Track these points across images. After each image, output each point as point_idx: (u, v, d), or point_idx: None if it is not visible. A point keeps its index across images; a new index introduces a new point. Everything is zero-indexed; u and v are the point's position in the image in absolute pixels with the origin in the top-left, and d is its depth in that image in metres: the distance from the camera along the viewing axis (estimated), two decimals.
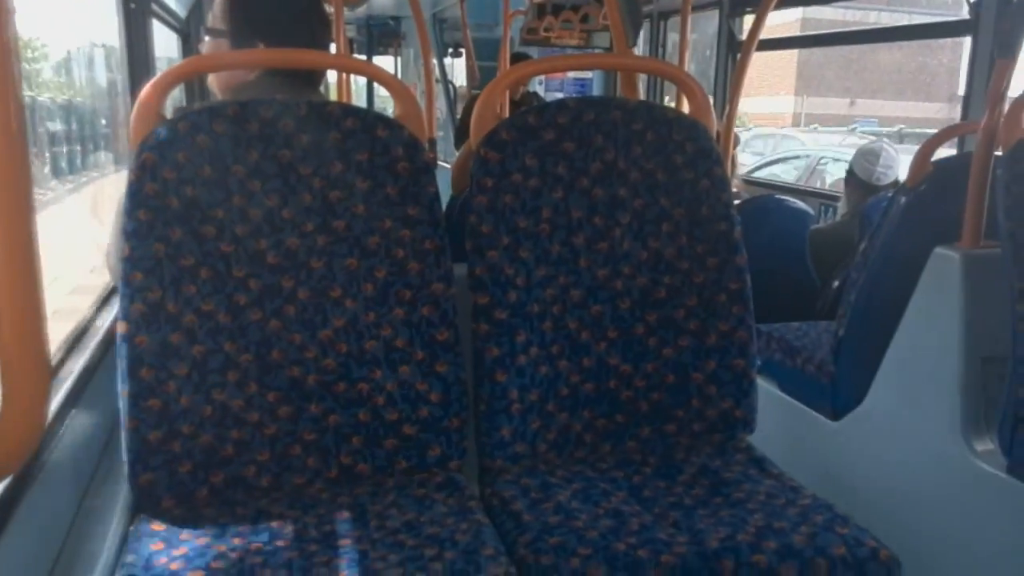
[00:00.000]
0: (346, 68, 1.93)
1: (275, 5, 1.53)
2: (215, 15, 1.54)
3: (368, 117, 1.30)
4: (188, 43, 3.43)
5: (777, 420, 2.16)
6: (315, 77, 1.63)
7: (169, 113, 1.23)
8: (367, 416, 1.29)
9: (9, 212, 0.59)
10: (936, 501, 1.74)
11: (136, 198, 1.17)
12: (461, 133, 5.05)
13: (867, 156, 3.01)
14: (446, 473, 1.31)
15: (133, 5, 2.21)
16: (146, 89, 1.22)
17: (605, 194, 1.42)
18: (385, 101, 9.60)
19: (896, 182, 2.98)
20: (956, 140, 2.68)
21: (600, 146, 1.41)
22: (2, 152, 0.58)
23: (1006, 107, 1.68)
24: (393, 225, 1.29)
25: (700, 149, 1.44)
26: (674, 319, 1.44)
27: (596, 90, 6.33)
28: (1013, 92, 1.70)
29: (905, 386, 1.87)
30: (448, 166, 5.13)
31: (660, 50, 5.10)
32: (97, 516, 1.17)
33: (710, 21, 4.58)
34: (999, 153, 1.68)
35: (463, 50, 6.14)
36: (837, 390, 2.07)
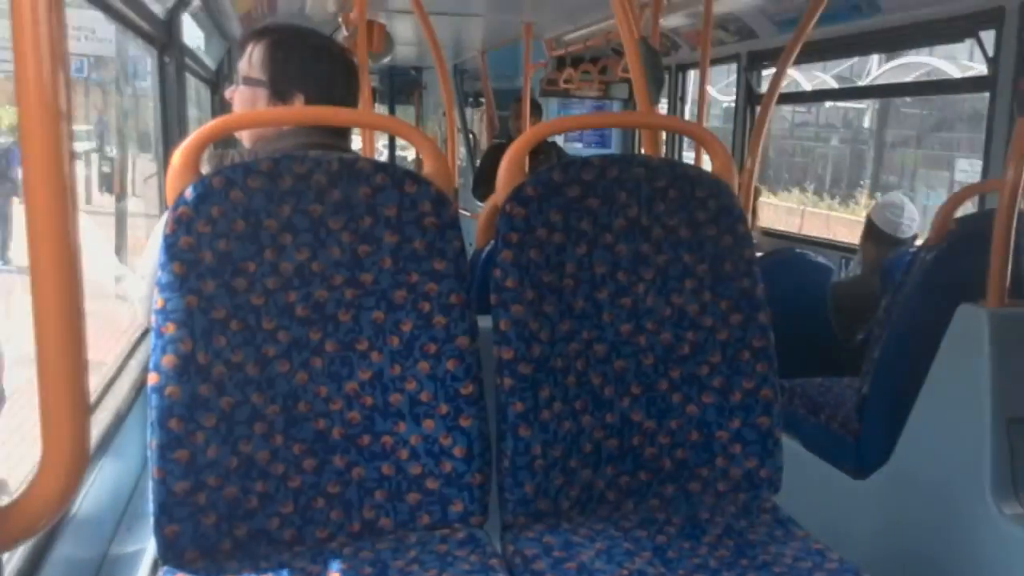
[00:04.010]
0: (378, 126, 1.97)
1: (316, 57, 1.58)
2: (252, 64, 1.57)
3: (397, 173, 1.32)
4: (217, 94, 3.52)
5: (800, 477, 2.13)
6: (345, 127, 1.68)
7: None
8: (390, 470, 1.29)
9: (52, 254, 0.60)
10: (964, 564, 1.70)
11: (171, 251, 1.19)
12: (480, 182, 5.11)
13: (891, 209, 3.00)
14: (468, 529, 1.30)
15: (168, 60, 2.27)
16: (183, 146, 1.25)
17: (628, 250, 1.43)
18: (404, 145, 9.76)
19: (916, 236, 2.98)
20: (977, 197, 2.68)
21: (624, 203, 1.43)
22: (48, 200, 0.59)
23: None
24: (419, 279, 1.31)
25: (723, 206, 1.45)
26: (698, 376, 1.44)
27: (615, 139, 6.40)
28: None
29: (931, 446, 1.84)
30: (468, 215, 5.18)
31: (679, 103, 5.16)
32: (123, 566, 1.17)
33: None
34: (1022, 209, 1.68)
35: (483, 100, 6.25)
36: (862, 448, 2.04)
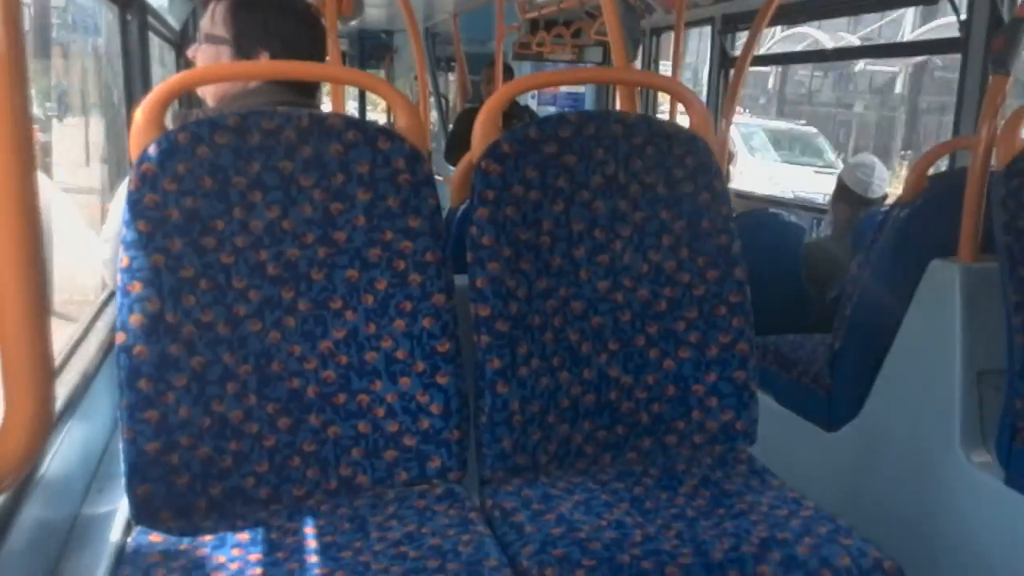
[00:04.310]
0: (349, 81, 1.93)
1: (280, 14, 1.54)
2: (215, 21, 1.53)
3: (369, 129, 1.30)
4: (182, 55, 3.42)
5: (774, 431, 2.16)
6: (313, 86, 1.64)
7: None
8: (367, 428, 1.28)
9: (12, 215, 0.58)
10: (934, 512, 1.74)
11: (136, 209, 1.16)
12: (452, 146, 5.06)
13: (861, 169, 3.02)
14: (446, 485, 1.30)
15: (130, 17, 2.20)
16: (146, 101, 1.21)
17: (606, 207, 1.42)
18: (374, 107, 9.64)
19: (885, 196, 3.01)
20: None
21: (601, 159, 1.42)
22: (6, 159, 0.57)
23: (1000, 123, 1.70)
24: (394, 237, 1.29)
25: (700, 163, 1.44)
26: (674, 331, 1.44)
27: (588, 104, 6.36)
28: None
29: (901, 398, 1.87)
30: (441, 179, 5.13)
31: (653, 66, 5.13)
32: (94, 528, 1.15)
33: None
34: (994, 168, 1.70)
35: (455, 64, 6.17)
36: (833, 402, 2.07)
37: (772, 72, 18.00)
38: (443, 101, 6.84)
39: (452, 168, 4.91)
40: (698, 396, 1.44)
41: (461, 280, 1.36)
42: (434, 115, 6.49)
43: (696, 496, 1.31)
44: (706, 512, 1.26)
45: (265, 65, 1.49)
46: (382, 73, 8.01)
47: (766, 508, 1.25)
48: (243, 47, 1.51)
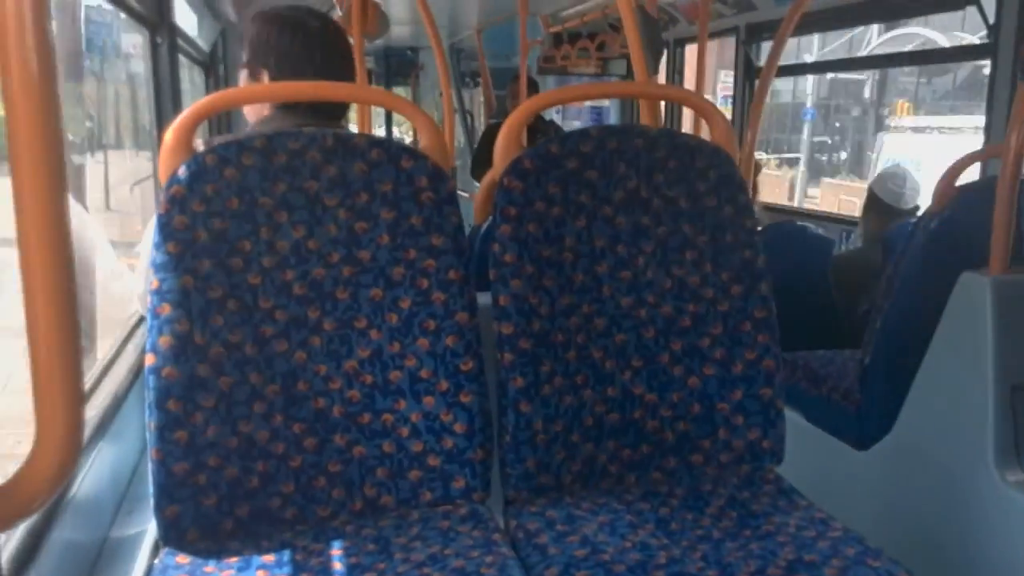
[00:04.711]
0: (371, 101, 1.94)
1: (284, 33, 1.53)
2: (244, 45, 1.57)
3: (393, 148, 1.31)
4: (211, 76, 3.48)
5: (803, 450, 2.13)
6: (337, 112, 1.61)
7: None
8: (391, 447, 1.29)
9: (44, 238, 0.59)
10: (968, 532, 1.70)
11: (165, 231, 1.18)
12: (478, 163, 5.08)
13: (893, 180, 2.98)
14: (470, 505, 1.30)
15: (160, 40, 2.25)
16: (176, 123, 1.23)
17: (628, 222, 1.42)
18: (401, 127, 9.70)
19: (917, 207, 2.96)
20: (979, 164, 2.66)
21: (623, 174, 1.41)
22: (38, 181, 0.59)
23: None
24: (417, 255, 1.29)
25: (723, 176, 1.43)
26: (699, 348, 1.43)
27: (612, 117, 6.35)
28: None
29: (934, 415, 1.84)
30: (466, 195, 5.15)
31: (677, 76, 5.12)
32: (123, 549, 1.17)
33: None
34: None
35: (479, 79, 6.21)
36: (864, 419, 2.04)
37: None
38: (468, 117, 6.88)
39: (478, 184, 4.94)
40: (724, 414, 1.42)
41: (484, 298, 1.36)
42: (459, 131, 6.53)
43: (722, 517, 1.30)
44: (732, 534, 1.25)
45: (289, 87, 1.50)
46: (408, 90, 8.08)
47: (793, 529, 1.23)
48: (252, 67, 1.54)
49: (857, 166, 18.07)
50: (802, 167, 17.09)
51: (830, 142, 19.63)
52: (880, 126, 17.01)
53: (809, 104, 17.79)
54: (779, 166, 17.94)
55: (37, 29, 0.57)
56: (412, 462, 1.29)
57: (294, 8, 1.61)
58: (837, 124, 19.89)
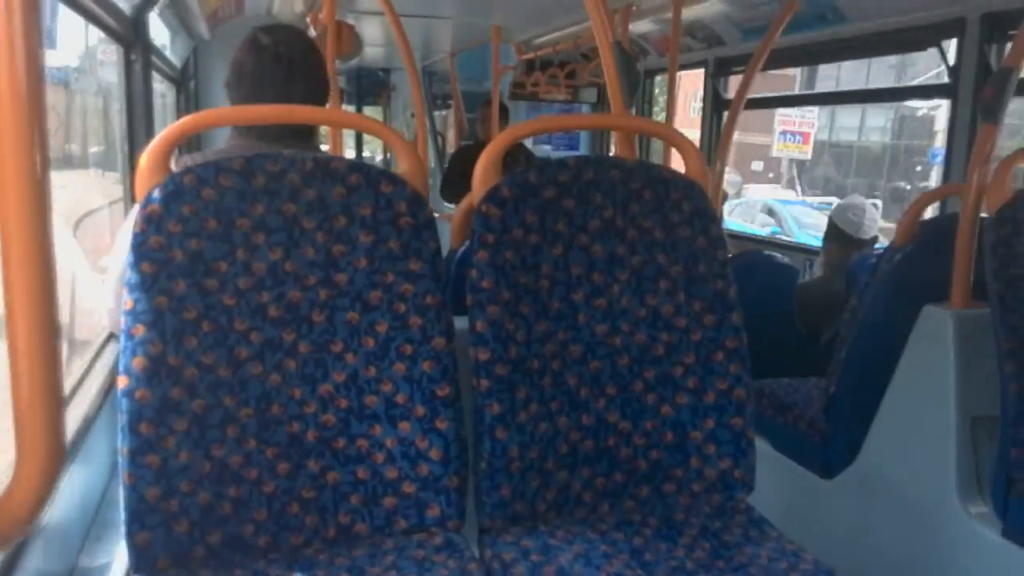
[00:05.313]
0: (348, 125, 1.93)
1: (242, 52, 1.55)
2: None
3: (372, 172, 1.31)
4: (182, 92, 3.46)
5: (770, 477, 2.16)
6: (306, 130, 1.59)
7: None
8: (366, 473, 1.28)
9: (26, 261, 0.59)
10: (933, 563, 1.73)
11: (140, 251, 1.17)
12: (447, 184, 5.10)
13: (852, 210, 3.06)
14: (445, 534, 1.29)
15: (134, 57, 2.23)
16: (154, 143, 1.22)
17: (604, 251, 1.44)
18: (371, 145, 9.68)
19: (876, 237, 3.04)
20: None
21: (599, 204, 1.43)
22: (20, 197, 0.58)
23: (990, 170, 1.72)
24: (395, 279, 1.29)
25: (696, 208, 1.46)
26: (672, 376, 1.45)
27: (583, 144, 6.43)
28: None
29: (897, 445, 1.87)
30: (436, 215, 5.15)
31: (647, 107, 5.21)
32: None
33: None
34: (984, 214, 1.72)
35: (451, 102, 6.24)
36: (829, 448, 2.07)
37: None
38: (440, 138, 6.91)
39: (447, 205, 4.94)
40: (696, 443, 1.44)
41: (459, 322, 1.36)
42: (430, 153, 6.55)
43: (695, 548, 1.31)
44: (705, 565, 1.26)
45: (266, 109, 1.49)
46: (379, 110, 8.09)
47: (765, 561, 1.25)
48: (227, 87, 1.56)
49: None
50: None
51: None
52: None
53: (938, 144, 14.98)
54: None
55: (28, 43, 0.57)
56: (387, 489, 1.28)
57: (259, 27, 1.61)
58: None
